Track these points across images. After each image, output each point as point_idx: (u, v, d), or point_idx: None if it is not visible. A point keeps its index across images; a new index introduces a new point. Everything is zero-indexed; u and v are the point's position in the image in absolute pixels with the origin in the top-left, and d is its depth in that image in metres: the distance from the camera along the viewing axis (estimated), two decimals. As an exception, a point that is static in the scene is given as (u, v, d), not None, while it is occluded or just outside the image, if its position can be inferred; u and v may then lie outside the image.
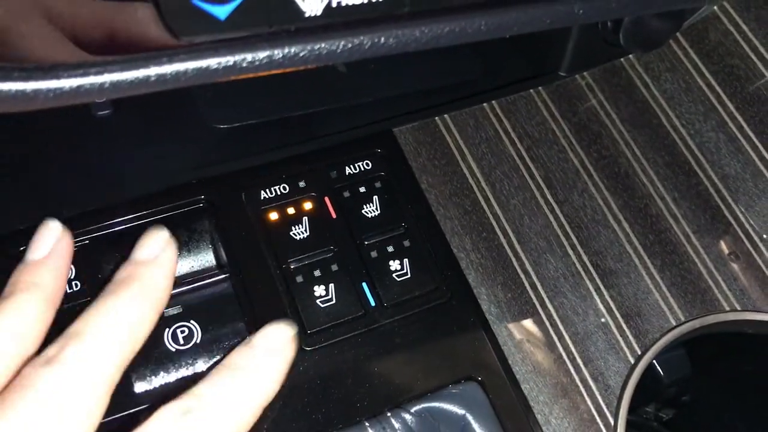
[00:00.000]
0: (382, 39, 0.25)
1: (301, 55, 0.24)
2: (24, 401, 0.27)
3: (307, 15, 0.24)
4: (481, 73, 0.50)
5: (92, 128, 0.43)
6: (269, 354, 0.34)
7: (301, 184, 0.41)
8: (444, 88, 0.48)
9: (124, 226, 0.39)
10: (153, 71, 0.23)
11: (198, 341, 0.37)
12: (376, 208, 0.41)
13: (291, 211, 0.40)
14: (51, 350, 0.29)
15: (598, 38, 0.45)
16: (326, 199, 0.41)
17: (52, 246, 0.33)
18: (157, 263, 0.34)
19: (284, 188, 0.41)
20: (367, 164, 0.43)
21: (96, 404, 0.29)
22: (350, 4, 0.24)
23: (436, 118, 0.45)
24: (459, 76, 0.49)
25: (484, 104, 0.46)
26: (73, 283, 0.37)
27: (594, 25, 0.45)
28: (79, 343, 0.29)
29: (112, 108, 0.43)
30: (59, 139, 0.42)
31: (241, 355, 0.33)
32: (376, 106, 0.47)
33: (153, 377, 0.36)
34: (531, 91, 0.47)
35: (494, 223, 0.43)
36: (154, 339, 0.37)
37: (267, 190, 0.41)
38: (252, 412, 0.32)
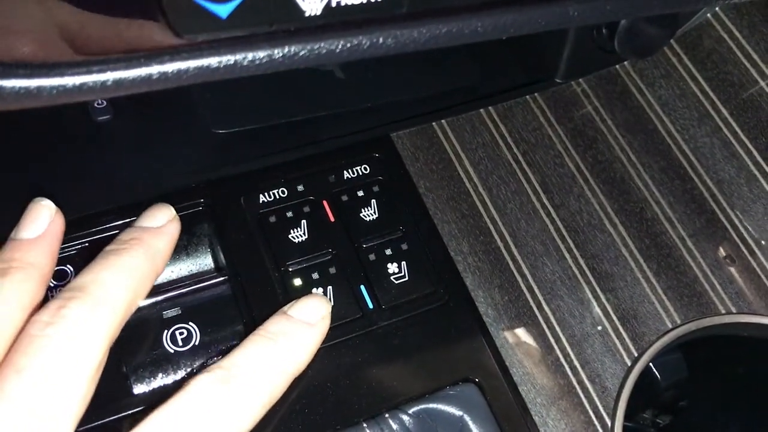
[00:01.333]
0: (381, 39, 0.26)
1: (301, 54, 0.25)
2: (31, 363, 0.27)
3: (307, 14, 0.24)
4: (478, 80, 0.50)
5: (93, 133, 0.43)
6: (305, 325, 0.34)
7: (300, 188, 0.42)
8: (441, 94, 0.48)
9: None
10: (155, 69, 0.23)
11: (197, 343, 0.37)
12: (374, 212, 0.41)
13: (290, 214, 0.41)
14: (54, 305, 0.29)
15: (593, 45, 0.46)
16: (325, 202, 0.41)
17: (47, 226, 0.32)
18: (161, 231, 0.34)
19: (283, 192, 0.41)
20: (366, 168, 0.43)
21: (97, 359, 0.29)
22: (349, 4, 0.24)
23: (434, 123, 0.46)
24: (456, 82, 0.50)
25: (481, 110, 0.47)
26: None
27: (589, 32, 0.45)
28: (82, 298, 0.29)
29: (112, 112, 0.43)
30: (60, 144, 0.43)
31: (277, 324, 0.34)
32: (374, 112, 0.47)
33: (152, 379, 0.36)
34: (527, 97, 0.48)
35: (491, 227, 0.43)
36: (153, 340, 0.37)
37: (266, 194, 0.41)
38: (284, 381, 0.32)
